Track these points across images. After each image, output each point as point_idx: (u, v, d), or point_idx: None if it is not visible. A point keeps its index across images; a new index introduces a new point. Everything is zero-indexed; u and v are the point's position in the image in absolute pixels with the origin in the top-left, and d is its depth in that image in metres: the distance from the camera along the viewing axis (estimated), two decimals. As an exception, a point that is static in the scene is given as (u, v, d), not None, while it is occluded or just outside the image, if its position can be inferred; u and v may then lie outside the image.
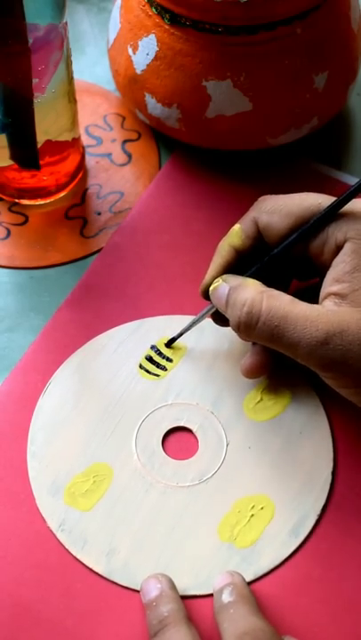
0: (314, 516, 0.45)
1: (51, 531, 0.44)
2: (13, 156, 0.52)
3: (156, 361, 0.49)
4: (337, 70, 0.54)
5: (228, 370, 0.49)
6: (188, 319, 0.50)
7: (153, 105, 0.55)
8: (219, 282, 0.46)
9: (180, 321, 0.50)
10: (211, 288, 0.46)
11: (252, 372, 0.47)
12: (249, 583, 0.43)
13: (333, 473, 0.46)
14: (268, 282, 0.45)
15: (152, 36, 0.52)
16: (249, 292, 0.44)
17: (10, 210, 0.56)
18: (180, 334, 0.49)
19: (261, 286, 0.44)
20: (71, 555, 0.44)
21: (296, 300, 0.43)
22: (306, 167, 0.58)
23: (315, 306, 0.43)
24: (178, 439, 0.47)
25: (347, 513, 0.45)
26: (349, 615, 0.42)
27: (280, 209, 0.45)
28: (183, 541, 0.44)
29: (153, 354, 0.50)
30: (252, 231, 0.46)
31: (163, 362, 0.49)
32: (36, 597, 0.43)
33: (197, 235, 0.55)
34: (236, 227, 0.47)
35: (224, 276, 0.46)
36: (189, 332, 0.50)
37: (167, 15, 0.51)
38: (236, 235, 0.47)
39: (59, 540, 0.44)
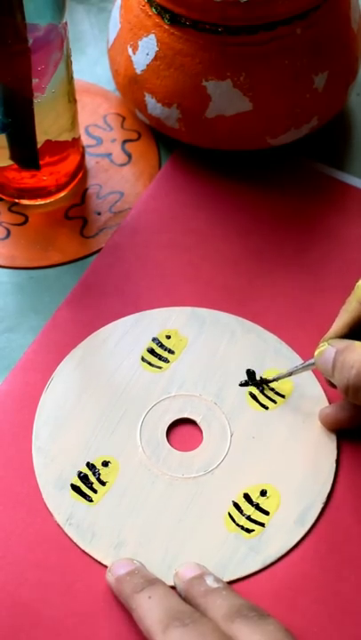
0: (320, 503, 0.45)
1: (58, 525, 0.44)
2: (13, 156, 0.52)
3: (157, 353, 0.50)
4: (337, 70, 0.54)
5: (230, 360, 0.49)
6: (188, 310, 0.51)
7: (153, 105, 0.55)
8: (324, 345, 0.44)
9: (180, 312, 0.51)
10: (316, 352, 0.44)
11: (333, 426, 0.46)
12: (257, 572, 0.43)
13: (337, 460, 0.46)
14: None
15: (152, 36, 0.52)
16: (358, 354, 0.41)
17: (10, 210, 0.56)
18: (273, 380, 0.48)
19: None
20: (78, 551, 0.44)
21: None
22: (306, 167, 0.58)
23: None
24: (182, 431, 0.48)
25: (353, 499, 0.45)
26: None
27: None
28: (191, 532, 0.44)
29: (155, 346, 0.50)
30: None
31: (165, 354, 0.50)
32: (38, 596, 0.43)
33: (197, 234, 0.55)
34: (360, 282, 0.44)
35: (330, 340, 0.44)
36: (190, 323, 0.50)
37: (167, 15, 0.51)
38: None
39: (66, 535, 0.44)
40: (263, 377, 0.48)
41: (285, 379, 0.48)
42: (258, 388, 0.48)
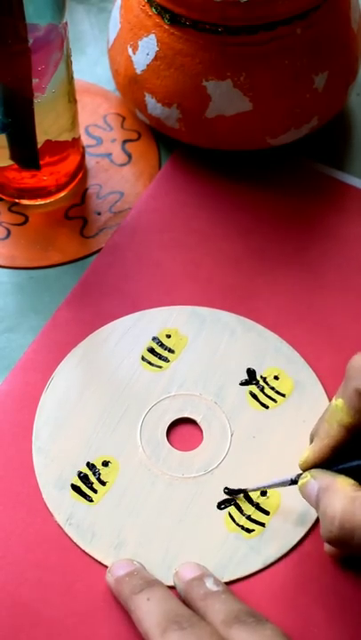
0: None
1: (58, 525, 0.44)
2: (13, 156, 0.52)
3: (157, 352, 0.50)
4: (337, 70, 0.54)
5: (230, 359, 0.49)
6: (188, 309, 0.51)
7: (153, 105, 0.55)
8: (307, 477, 0.40)
9: (181, 311, 0.51)
10: (299, 484, 0.41)
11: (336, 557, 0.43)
12: (257, 572, 0.43)
13: None
14: None
15: (152, 36, 0.52)
16: (338, 502, 0.38)
17: (10, 210, 0.56)
18: (244, 491, 0.45)
19: (354, 489, 0.38)
20: (78, 551, 0.44)
21: None
22: (306, 167, 0.58)
23: None
24: (182, 430, 0.48)
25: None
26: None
27: None
28: (191, 532, 0.44)
29: (155, 345, 0.50)
30: (358, 404, 0.40)
31: (165, 353, 0.50)
32: (38, 596, 0.43)
33: (198, 234, 0.55)
34: (339, 402, 0.41)
35: (313, 471, 0.41)
36: (190, 322, 0.50)
37: (167, 15, 0.51)
38: (341, 411, 0.41)
39: (66, 535, 0.44)
40: (243, 489, 0.45)
41: (286, 377, 0.48)
42: (236, 497, 0.45)
